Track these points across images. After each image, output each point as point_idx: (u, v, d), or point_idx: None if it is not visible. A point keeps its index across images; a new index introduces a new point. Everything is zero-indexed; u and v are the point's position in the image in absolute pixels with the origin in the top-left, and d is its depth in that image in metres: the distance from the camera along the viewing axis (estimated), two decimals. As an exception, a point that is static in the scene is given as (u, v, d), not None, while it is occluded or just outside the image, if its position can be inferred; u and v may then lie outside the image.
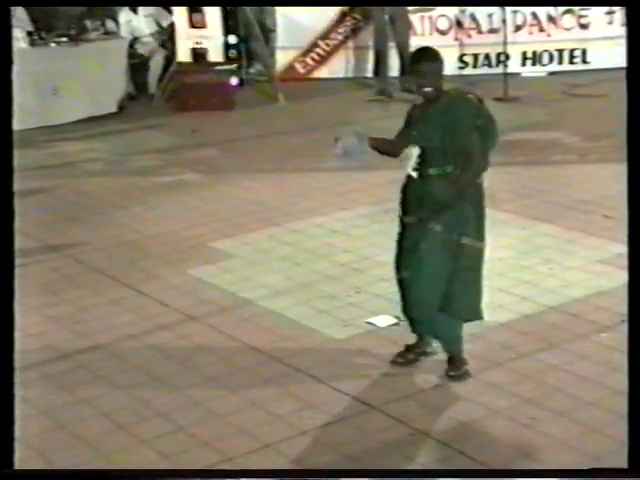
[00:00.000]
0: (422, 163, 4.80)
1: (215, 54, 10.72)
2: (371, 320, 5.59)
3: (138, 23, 11.31)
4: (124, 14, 11.28)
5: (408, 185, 4.88)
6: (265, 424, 4.63)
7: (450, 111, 4.76)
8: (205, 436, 4.54)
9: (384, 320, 5.56)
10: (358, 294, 5.97)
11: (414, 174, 4.83)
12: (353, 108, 10.50)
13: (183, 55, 10.78)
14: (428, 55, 4.78)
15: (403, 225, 4.93)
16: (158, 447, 4.46)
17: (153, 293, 6.15)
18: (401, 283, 4.94)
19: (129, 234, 7.24)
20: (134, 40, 11.21)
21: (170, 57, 11.09)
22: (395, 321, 5.53)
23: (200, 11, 10.58)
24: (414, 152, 4.80)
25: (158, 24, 11.37)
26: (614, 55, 11.25)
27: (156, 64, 11.23)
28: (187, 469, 4.29)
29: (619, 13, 11.31)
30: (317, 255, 6.62)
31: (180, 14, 10.73)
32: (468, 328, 5.27)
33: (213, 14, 10.64)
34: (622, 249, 6.40)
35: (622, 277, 5.97)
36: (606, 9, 11.31)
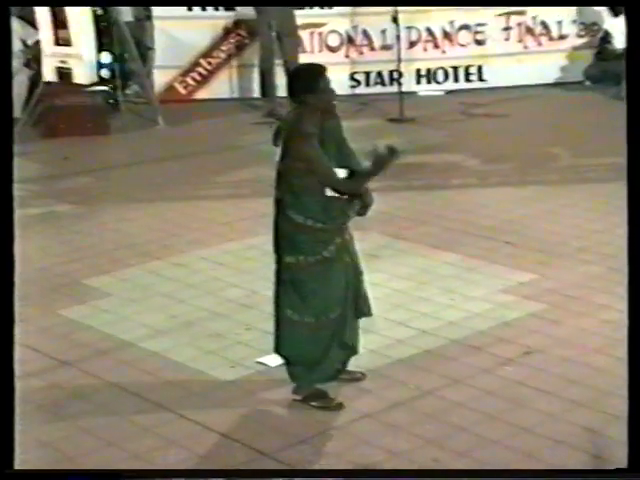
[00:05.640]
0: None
1: (83, 74, 10.58)
2: (261, 360, 5.57)
3: None
4: (-17, 31, 11.07)
5: (332, 208, 4.95)
6: (147, 477, 4.57)
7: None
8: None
9: (275, 359, 5.54)
10: (247, 332, 5.96)
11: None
12: (239, 131, 10.51)
13: (49, 75, 10.63)
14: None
15: (331, 262, 4.99)
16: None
17: (20, 338, 5.98)
18: (339, 320, 5.04)
19: (-7, 272, 7.07)
20: (-4, 59, 11.01)
21: (36, 78, 10.93)
22: (287, 360, 5.53)
23: (65, 27, 10.43)
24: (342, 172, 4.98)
25: (23, 42, 11.19)
26: (512, 73, 11.57)
27: (20, 85, 11.04)
28: (185, 469, 4.38)
29: (516, 29, 11.62)
30: (202, 291, 6.59)
31: (46, 30, 10.58)
32: (364, 364, 5.33)
33: (81, 30, 10.50)
34: (525, 277, 6.55)
35: (526, 307, 6.13)
36: (503, 25, 11.59)
